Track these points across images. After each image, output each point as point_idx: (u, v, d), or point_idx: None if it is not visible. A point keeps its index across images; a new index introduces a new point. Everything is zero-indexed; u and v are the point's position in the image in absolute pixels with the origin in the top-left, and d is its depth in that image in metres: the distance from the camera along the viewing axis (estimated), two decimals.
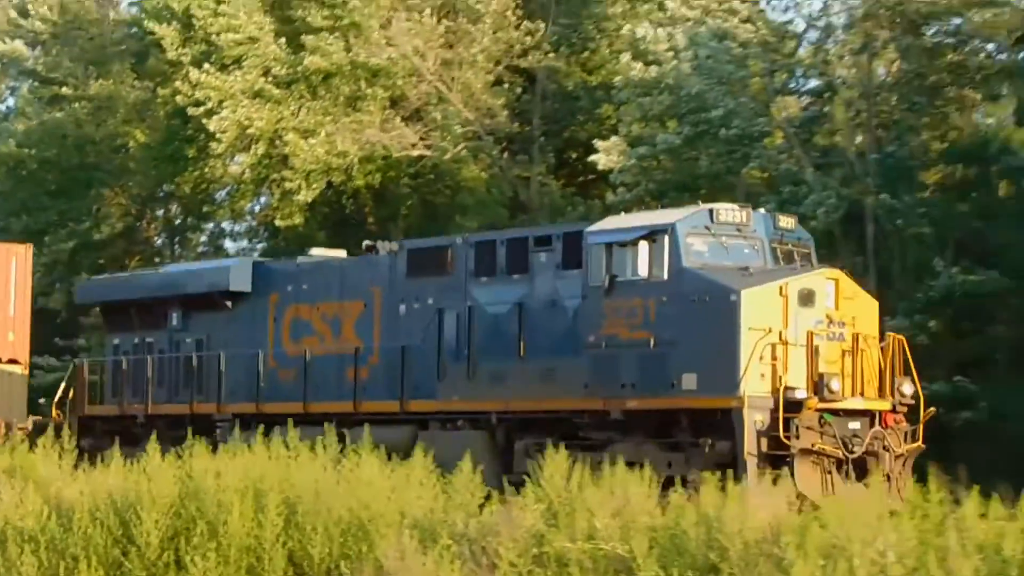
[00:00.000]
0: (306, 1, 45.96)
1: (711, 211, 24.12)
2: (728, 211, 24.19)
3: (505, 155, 47.82)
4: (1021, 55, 42.47)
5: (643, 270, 23.62)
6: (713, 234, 23.72)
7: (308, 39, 45.00)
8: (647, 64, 42.59)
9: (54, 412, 32.05)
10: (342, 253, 31.13)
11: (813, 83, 44.31)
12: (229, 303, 30.10)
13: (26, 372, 34.46)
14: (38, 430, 29.64)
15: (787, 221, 25.18)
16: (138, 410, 30.63)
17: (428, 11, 45.20)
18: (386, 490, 16.43)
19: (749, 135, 41.30)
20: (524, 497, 15.53)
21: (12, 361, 33.91)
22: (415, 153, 45.76)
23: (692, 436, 22.96)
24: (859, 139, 42.08)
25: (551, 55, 47.47)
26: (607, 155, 41.84)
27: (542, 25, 46.91)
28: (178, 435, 26.17)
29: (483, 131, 46.11)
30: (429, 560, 14.24)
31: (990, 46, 42.16)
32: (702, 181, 42.27)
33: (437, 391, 26.21)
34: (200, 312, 30.82)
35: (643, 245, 23.56)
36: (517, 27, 46.43)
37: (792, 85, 44.22)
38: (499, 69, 46.85)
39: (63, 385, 32.82)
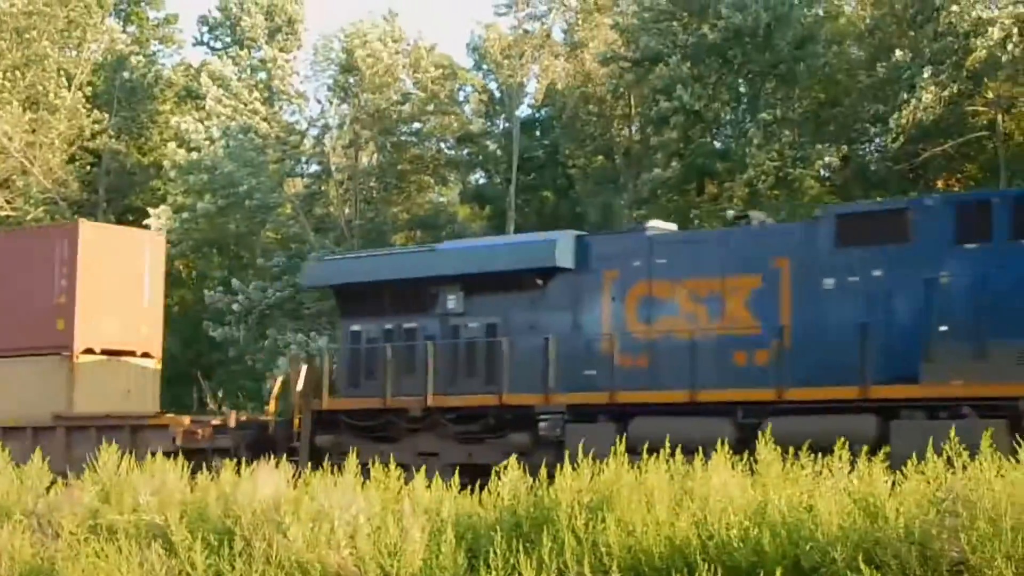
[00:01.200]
0: None
1: None
2: None
3: (76, 217, 46.21)
4: (465, 151, 43.98)
5: None
6: None
7: None
8: (189, 150, 42.06)
9: (271, 407, 22.69)
10: (673, 226, 22.08)
11: (314, 168, 44.61)
12: (540, 282, 20.52)
13: (159, 367, 26.08)
14: (257, 430, 22.29)
15: None
16: (411, 403, 20.71)
17: (15, 103, 43.40)
18: None
19: (267, 205, 41.35)
20: (82, 481, 14.95)
21: (145, 355, 25.59)
22: (1, 214, 43.76)
23: None
24: (348, 210, 42.59)
25: (114, 140, 46.45)
26: (158, 219, 41.02)
27: (107, 116, 45.90)
28: (466, 430, 20.00)
29: (59, 198, 44.53)
30: (4, 533, 13.56)
31: (442, 144, 43.46)
32: (231, 239, 42.04)
33: (920, 374, 16.93)
34: (490, 293, 20.93)
35: None
36: (87, 116, 45.28)
37: (299, 169, 44.39)
38: (73, 149, 45.45)
39: (279, 378, 23.37)
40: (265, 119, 42.47)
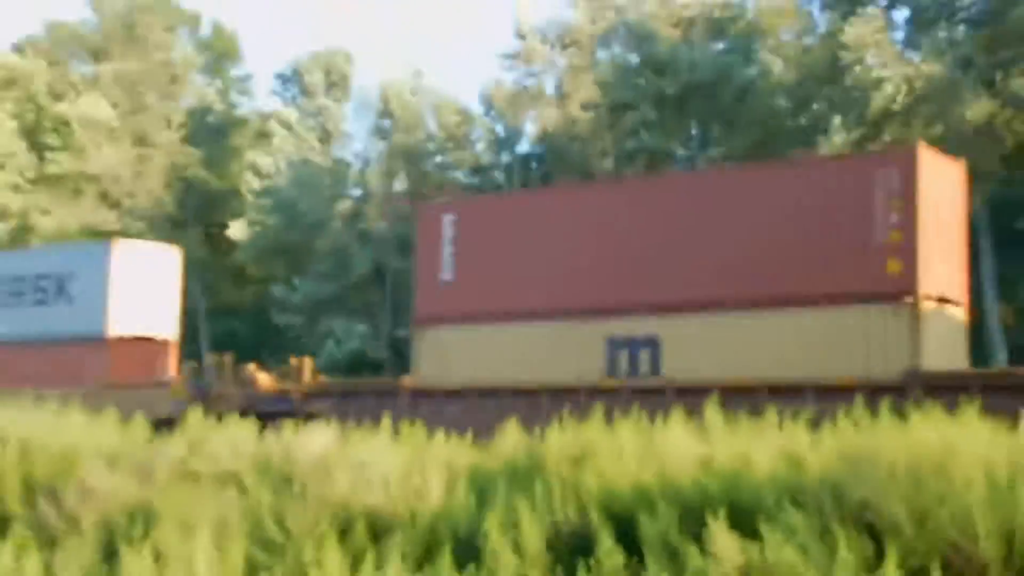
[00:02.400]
0: (51, 131, 43.70)
1: None
2: None
3: (173, 229, 46.20)
4: (477, 179, 43.80)
5: None
6: None
7: (49, 154, 42.72)
8: (262, 177, 42.00)
9: None
10: None
11: (357, 192, 44.53)
12: None
13: (966, 318, 17.58)
14: None
15: None
16: None
17: (128, 142, 43.40)
18: (87, 433, 15.43)
19: (320, 221, 41.22)
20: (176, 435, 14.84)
21: (952, 303, 17.20)
22: (114, 228, 43.77)
23: None
24: (383, 226, 42.53)
25: (202, 170, 46.37)
26: (237, 231, 40.99)
27: (196, 151, 45.85)
28: None
29: (159, 216, 44.51)
30: (114, 477, 13.47)
31: (459, 173, 43.32)
32: (291, 247, 41.99)
33: None
34: None
35: None
36: (181, 153, 45.22)
37: (345, 192, 44.29)
38: (169, 178, 45.42)
39: None
40: (320, 154, 42.46)
